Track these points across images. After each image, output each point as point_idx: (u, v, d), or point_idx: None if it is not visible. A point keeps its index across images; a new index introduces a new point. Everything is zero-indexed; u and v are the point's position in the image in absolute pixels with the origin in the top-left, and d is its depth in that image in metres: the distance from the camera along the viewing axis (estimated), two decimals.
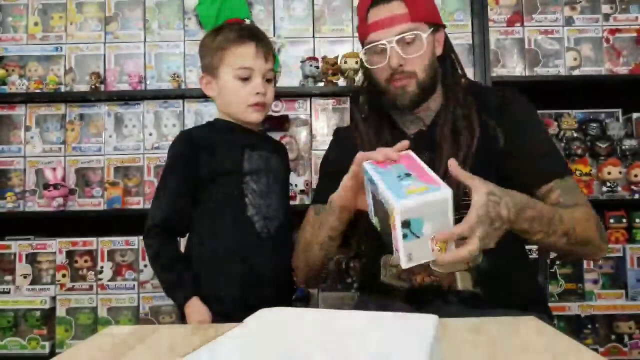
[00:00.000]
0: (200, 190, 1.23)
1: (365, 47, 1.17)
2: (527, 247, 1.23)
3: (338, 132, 1.39)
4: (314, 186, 1.85)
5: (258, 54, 1.25)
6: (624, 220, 1.86)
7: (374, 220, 0.94)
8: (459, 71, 1.23)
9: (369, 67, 1.18)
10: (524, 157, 1.11)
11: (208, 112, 1.91)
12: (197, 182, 1.23)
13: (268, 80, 1.28)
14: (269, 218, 1.25)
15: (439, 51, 1.20)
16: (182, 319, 1.19)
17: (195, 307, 1.16)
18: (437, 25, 1.18)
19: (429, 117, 1.20)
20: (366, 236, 1.31)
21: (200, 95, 1.86)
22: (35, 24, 1.96)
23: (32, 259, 1.88)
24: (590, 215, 1.07)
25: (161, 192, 1.24)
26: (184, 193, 1.22)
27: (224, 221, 1.22)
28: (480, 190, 0.87)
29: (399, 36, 1.11)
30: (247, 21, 1.39)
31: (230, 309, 1.15)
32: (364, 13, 1.16)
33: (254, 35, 1.27)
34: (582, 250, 1.06)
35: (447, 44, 1.23)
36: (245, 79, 1.25)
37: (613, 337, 1.82)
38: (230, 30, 1.27)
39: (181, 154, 1.24)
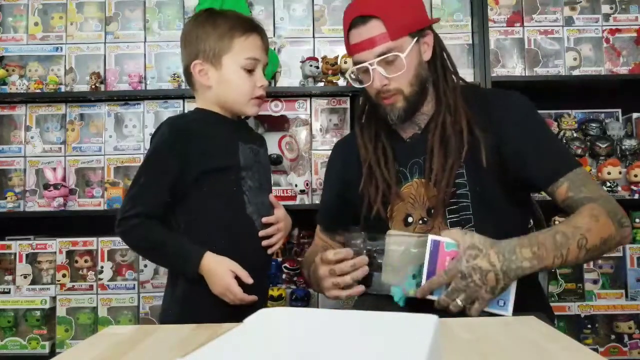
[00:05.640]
0: (187, 185, 1.15)
1: (351, 68, 1.20)
2: None
3: (337, 147, 1.41)
4: (313, 186, 1.85)
5: (263, 45, 1.23)
6: None
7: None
8: (451, 71, 1.21)
9: (358, 86, 1.21)
10: (528, 160, 1.11)
11: None
12: (185, 177, 1.14)
13: None
14: (264, 216, 1.22)
15: (427, 56, 1.18)
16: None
17: (214, 259, 1.10)
18: (422, 31, 1.16)
19: (423, 120, 1.22)
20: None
21: None
22: (36, 24, 1.96)
23: (32, 259, 1.88)
24: (598, 211, 1.03)
25: (142, 183, 1.13)
26: (167, 187, 1.13)
27: (224, 220, 1.17)
28: (459, 246, 0.97)
29: (379, 58, 1.12)
30: None
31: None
32: (346, 34, 1.17)
33: (258, 26, 1.24)
34: (605, 248, 1.04)
35: (437, 45, 1.20)
36: (250, 71, 1.20)
37: (613, 337, 1.82)
38: (233, 18, 1.21)
39: (171, 144, 1.14)
